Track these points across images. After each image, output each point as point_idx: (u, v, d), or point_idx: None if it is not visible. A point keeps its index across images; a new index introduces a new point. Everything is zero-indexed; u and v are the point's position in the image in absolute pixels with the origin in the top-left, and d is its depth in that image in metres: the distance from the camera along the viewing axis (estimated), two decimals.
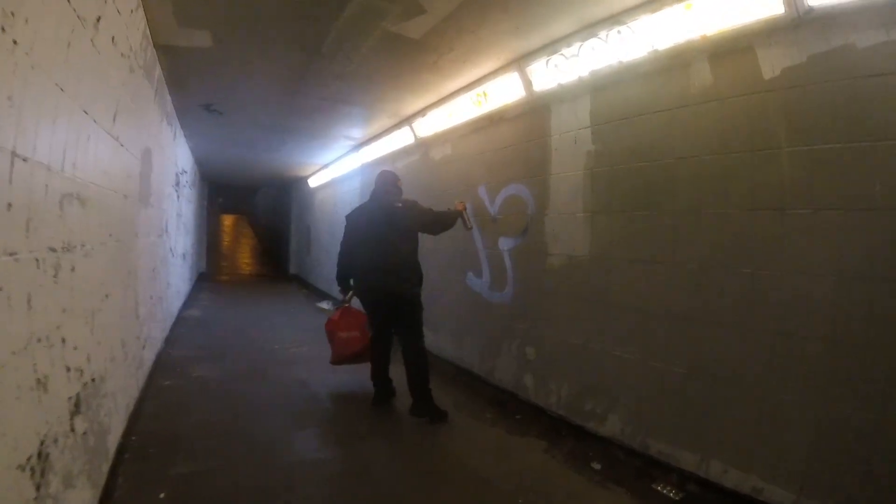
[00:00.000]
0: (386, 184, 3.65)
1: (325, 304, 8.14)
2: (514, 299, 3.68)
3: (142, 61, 2.88)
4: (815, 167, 2.02)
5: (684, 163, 2.49)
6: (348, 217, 3.68)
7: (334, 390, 3.89)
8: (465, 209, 3.77)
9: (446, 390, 3.79)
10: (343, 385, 4.00)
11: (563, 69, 3.00)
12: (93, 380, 2.01)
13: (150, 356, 3.81)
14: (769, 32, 2.12)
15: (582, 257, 3.07)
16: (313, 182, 9.70)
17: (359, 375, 4.03)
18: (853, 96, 1.91)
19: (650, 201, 2.65)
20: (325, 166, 8.44)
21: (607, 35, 2.67)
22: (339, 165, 7.69)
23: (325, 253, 9.00)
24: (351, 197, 7.44)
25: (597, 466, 2.70)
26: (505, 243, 3.76)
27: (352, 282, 3.66)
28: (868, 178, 1.88)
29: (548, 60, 3.05)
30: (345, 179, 7.78)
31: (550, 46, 3.01)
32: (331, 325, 3.91)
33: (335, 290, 8.42)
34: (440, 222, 3.62)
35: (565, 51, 2.92)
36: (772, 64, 2.13)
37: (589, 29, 2.75)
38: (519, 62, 3.27)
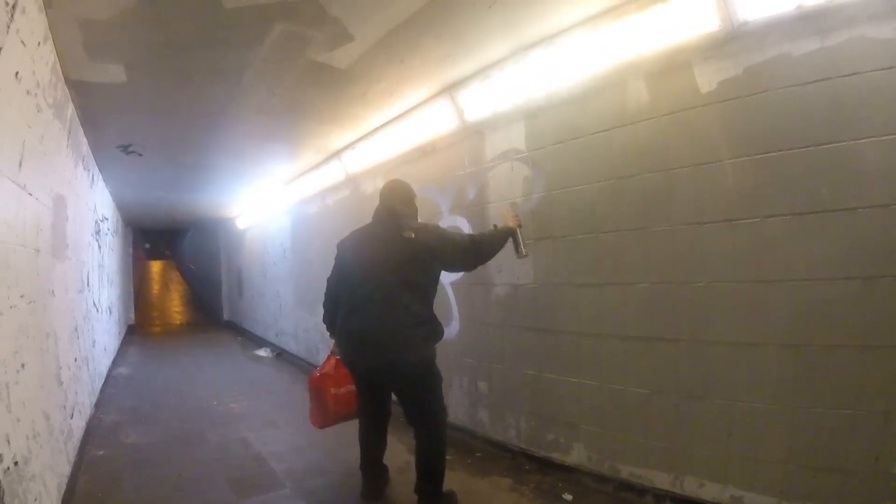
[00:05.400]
0: (393, 199, 2.52)
1: (262, 352, 7.63)
2: (461, 334, 3.53)
3: (51, 99, 2.56)
4: (759, 176, 2.04)
5: (627, 182, 2.48)
6: (340, 246, 2.62)
7: (279, 451, 3.49)
8: (520, 224, 2.67)
9: (397, 437, 3.51)
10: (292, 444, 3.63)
11: (496, 96, 2.98)
12: (15, 463, 1.80)
13: (79, 424, 3.40)
14: (705, 48, 2.14)
15: (526, 286, 3.01)
16: (242, 223, 9.29)
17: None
18: (792, 103, 1.94)
19: (594, 223, 2.63)
20: (253, 206, 8.10)
21: (541, 59, 2.66)
22: (267, 204, 7.37)
23: (258, 296, 8.58)
24: (282, 237, 7.14)
25: (568, 497, 2.60)
26: (446, 277, 3.63)
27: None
28: (814, 182, 1.91)
29: (479, 86, 3.02)
30: (274, 219, 7.48)
31: (483, 72, 2.96)
32: (319, 381, 2.82)
33: (272, 334, 8.26)
34: (482, 252, 2.45)
35: (498, 76, 2.90)
36: (708, 78, 2.16)
37: (522, 53, 2.72)
38: (450, 90, 3.20)
